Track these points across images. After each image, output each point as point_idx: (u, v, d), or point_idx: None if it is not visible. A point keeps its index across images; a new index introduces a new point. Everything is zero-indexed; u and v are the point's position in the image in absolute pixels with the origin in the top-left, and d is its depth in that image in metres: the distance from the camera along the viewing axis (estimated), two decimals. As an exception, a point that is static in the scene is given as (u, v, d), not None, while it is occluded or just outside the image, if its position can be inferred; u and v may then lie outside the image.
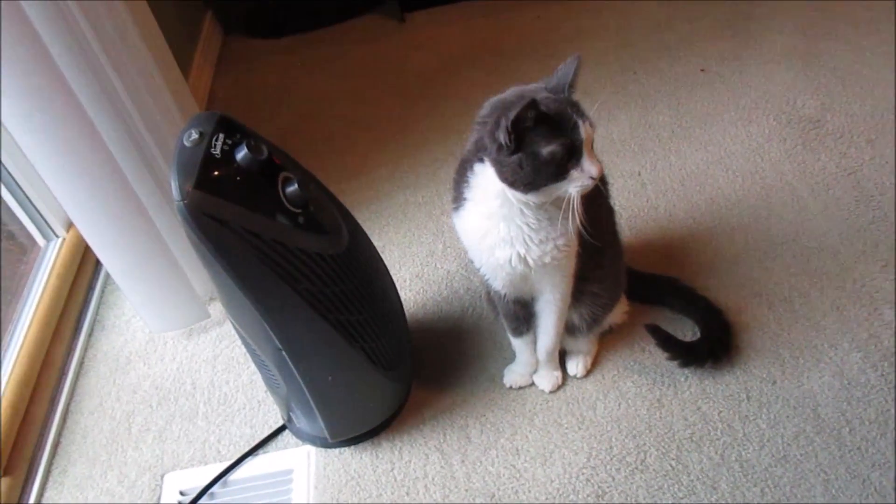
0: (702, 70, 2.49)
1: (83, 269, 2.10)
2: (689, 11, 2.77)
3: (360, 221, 1.50)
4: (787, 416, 1.51)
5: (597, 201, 1.38)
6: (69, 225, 2.09)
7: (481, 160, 1.21)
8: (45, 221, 2.06)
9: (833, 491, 1.40)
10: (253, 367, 1.76)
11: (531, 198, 1.20)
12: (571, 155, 1.15)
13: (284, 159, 1.32)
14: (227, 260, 1.18)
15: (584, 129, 1.14)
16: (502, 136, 1.13)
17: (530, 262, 1.31)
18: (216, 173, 1.16)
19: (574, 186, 1.18)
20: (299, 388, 1.42)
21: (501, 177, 1.18)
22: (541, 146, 1.13)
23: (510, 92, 1.22)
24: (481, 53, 2.75)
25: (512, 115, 1.10)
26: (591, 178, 1.17)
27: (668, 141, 2.24)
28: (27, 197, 2.00)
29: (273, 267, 1.21)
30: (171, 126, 1.75)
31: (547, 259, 1.30)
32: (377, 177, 2.33)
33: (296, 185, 1.24)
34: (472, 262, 1.41)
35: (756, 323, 1.68)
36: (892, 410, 1.49)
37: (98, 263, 2.15)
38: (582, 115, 1.15)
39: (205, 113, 1.24)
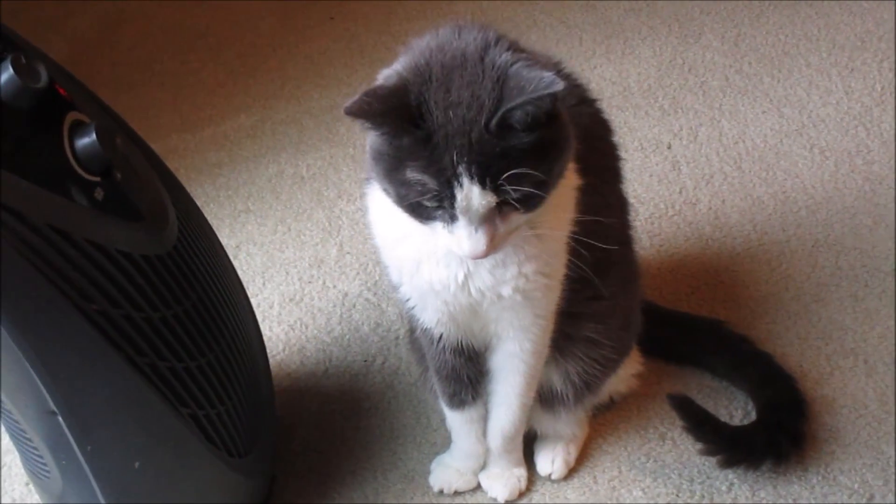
0: (777, -19, 2.55)
1: None
2: None
3: (200, 203, 1.49)
4: (890, 554, 1.55)
5: (601, 187, 1.40)
6: None
7: None
8: None
9: None
10: (6, 442, 1.73)
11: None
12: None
13: (76, 91, 1.31)
14: (-35, 257, 1.17)
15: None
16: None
17: (473, 292, 1.32)
18: (-44, 108, 1.14)
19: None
20: (84, 482, 1.38)
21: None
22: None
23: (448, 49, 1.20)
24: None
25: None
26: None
27: (719, 95, 2.26)
28: None
29: (46, 272, 1.19)
30: None
31: (506, 290, 1.32)
32: (234, 129, 2.33)
33: (93, 136, 1.23)
34: (390, 276, 1.42)
35: (846, 400, 1.71)
36: None
37: None
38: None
39: (-58, 6, 1.24)
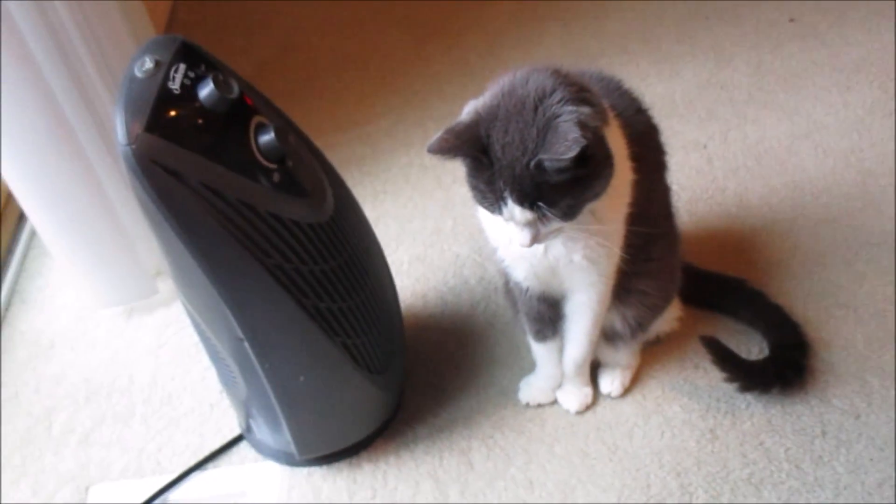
0: (791, 20, 2.47)
1: (2, 225, 2.10)
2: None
3: (350, 185, 1.51)
4: (871, 460, 1.50)
5: (652, 176, 1.41)
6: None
7: None
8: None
9: (922, 556, 1.40)
10: (206, 360, 1.73)
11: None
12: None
13: (259, 100, 1.33)
14: (179, 223, 1.20)
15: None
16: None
17: (551, 258, 1.34)
18: (173, 113, 1.17)
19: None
20: (262, 390, 1.43)
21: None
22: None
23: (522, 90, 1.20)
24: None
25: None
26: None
27: (744, 106, 2.23)
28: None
29: (237, 235, 1.22)
30: (119, 52, 1.75)
31: (576, 257, 1.33)
32: (375, 130, 2.33)
33: (272, 134, 1.25)
34: (489, 243, 1.43)
35: (840, 341, 1.68)
36: None
37: (21, 220, 2.16)
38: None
39: (163, 37, 1.25)
